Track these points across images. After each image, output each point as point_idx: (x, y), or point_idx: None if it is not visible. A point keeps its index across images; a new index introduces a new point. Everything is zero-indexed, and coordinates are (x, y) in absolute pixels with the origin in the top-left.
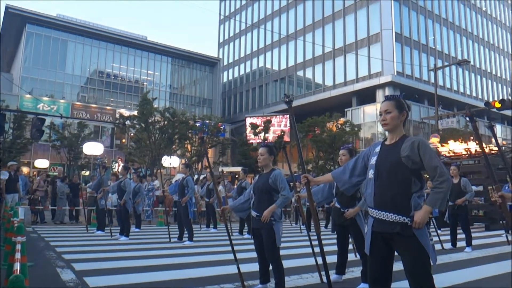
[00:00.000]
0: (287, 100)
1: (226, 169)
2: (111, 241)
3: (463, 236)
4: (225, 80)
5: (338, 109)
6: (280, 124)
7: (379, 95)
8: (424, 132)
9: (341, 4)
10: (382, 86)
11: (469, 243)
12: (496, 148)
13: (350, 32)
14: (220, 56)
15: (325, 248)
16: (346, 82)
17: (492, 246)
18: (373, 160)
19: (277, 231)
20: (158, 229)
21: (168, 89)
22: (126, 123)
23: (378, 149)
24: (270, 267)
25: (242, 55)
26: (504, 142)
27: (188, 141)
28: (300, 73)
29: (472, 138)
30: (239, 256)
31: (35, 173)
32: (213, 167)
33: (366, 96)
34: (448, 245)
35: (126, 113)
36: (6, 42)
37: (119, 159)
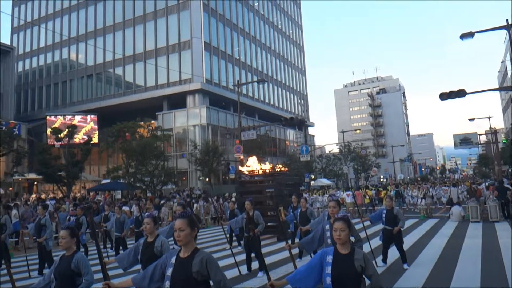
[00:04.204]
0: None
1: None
2: None
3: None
4: (20, 70)
5: (150, 112)
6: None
7: (190, 100)
8: (230, 138)
9: (152, 6)
10: (192, 92)
11: (260, 269)
12: (284, 168)
13: (162, 35)
14: (14, 44)
15: None
16: (157, 86)
17: (284, 264)
18: (169, 272)
19: None
20: None
21: None
22: None
23: (173, 260)
24: None
25: (42, 44)
26: (296, 145)
27: None
28: (110, 71)
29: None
30: None
31: None
32: (3, 179)
33: (177, 101)
34: (244, 270)
35: None
36: None
37: None
